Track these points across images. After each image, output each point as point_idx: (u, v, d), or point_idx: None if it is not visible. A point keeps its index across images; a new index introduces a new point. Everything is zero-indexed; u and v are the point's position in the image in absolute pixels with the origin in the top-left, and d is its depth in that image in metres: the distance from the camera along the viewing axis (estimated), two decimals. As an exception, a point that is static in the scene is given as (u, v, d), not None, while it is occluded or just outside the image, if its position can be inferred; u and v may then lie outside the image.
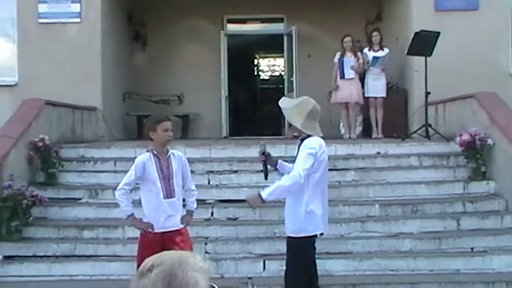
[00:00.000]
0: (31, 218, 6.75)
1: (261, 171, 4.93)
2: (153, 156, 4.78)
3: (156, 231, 4.73)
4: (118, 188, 4.82)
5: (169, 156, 4.83)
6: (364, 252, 6.50)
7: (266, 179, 4.80)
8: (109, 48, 10.58)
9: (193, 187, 5.10)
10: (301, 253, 4.64)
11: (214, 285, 1.51)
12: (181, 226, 4.87)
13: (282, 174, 4.73)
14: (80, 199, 7.43)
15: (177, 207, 4.84)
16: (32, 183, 7.37)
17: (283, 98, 4.88)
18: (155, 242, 4.65)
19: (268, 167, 4.83)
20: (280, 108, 4.80)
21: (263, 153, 4.76)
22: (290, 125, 4.74)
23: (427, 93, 8.94)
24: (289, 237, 4.68)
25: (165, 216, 4.75)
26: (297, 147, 4.77)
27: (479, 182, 7.45)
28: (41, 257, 6.47)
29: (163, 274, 1.43)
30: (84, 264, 6.36)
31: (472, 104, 8.31)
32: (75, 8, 10.18)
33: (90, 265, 6.35)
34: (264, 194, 4.45)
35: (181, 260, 1.47)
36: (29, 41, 10.21)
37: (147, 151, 4.86)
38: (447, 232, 6.77)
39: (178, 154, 4.94)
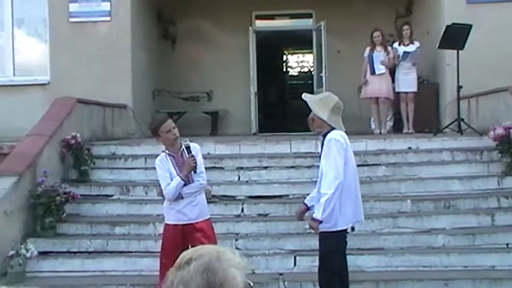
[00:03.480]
0: (64, 215, 6.85)
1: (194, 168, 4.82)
2: (168, 156, 4.84)
3: (176, 223, 4.79)
4: (164, 193, 4.79)
5: (183, 151, 4.87)
6: (396, 248, 6.43)
7: (195, 172, 4.81)
8: (139, 46, 10.67)
9: (202, 180, 4.90)
10: (333, 247, 4.65)
11: (250, 283, 1.50)
12: (205, 218, 4.89)
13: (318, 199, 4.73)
14: (111, 196, 7.51)
15: (197, 200, 4.86)
16: (64, 180, 7.47)
17: (304, 93, 4.89)
18: (177, 234, 4.73)
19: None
20: (304, 102, 4.80)
21: (187, 147, 4.78)
22: (313, 119, 4.74)
23: (459, 87, 8.80)
24: (321, 232, 4.67)
25: (185, 210, 4.79)
26: (320, 144, 4.80)
27: (514, 176, 7.31)
28: (75, 252, 6.56)
29: (202, 268, 1.43)
30: (117, 260, 6.42)
31: (506, 98, 8.15)
32: (105, 6, 10.28)
33: (123, 261, 6.41)
34: (318, 214, 4.49)
35: (220, 254, 1.47)
36: (61, 40, 10.35)
37: (163, 151, 4.92)
38: (481, 228, 6.65)
39: (191, 145, 4.92)
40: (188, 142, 4.88)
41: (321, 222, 4.50)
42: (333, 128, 4.63)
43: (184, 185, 4.78)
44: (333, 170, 4.48)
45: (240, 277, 1.46)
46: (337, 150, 4.51)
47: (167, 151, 4.87)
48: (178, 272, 1.45)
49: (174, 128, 4.83)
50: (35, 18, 10.78)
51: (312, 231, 4.82)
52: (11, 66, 10.67)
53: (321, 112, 4.64)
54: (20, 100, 10.18)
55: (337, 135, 4.59)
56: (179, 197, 4.79)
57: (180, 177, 4.75)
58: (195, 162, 4.79)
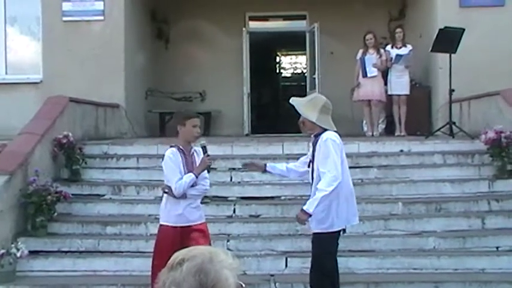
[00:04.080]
0: (55, 214, 6.82)
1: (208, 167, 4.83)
2: (179, 152, 4.74)
3: (175, 225, 4.73)
4: (174, 188, 4.65)
5: (193, 153, 4.82)
6: (387, 251, 6.45)
7: (208, 172, 4.83)
8: (132, 45, 10.65)
9: (206, 184, 4.86)
10: (327, 248, 4.65)
11: (242, 284, 1.51)
12: (203, 221, 4.87)
13: (279, 174, 4.98)
14: (103, 195, 7.49)
15: (197, 203, 4.84)
16: (56, 179, 7.45)
17: (292, 98, 4.88)
18: (175, 236, 4.66)
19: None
20: (292, 106, 4.79)
21: (204, 147, 4.78)
22: (303, 122, 4.73)
23: (451, 91, 8.84)
24: (315, 233, 4.68)
25: (186, 212, 4.74)
26: (311, 144, 4.77)
27: (505, 180, 7.34)
28: (66, 252, 6.54)
29: (195, 269, 1.43)
30: (108, 260, 6.40)
31: (498, 101, 8.19)
32: (99, 5, 10.26)
33: (114, 261, 6.38)
34: (310, 208, 4.47)
35: (212, 256, 1.47)
36: (54, 38, 10.32)
37: (171, 146, 4.82)
38: (472, 231, 6.68)
39: (200, 150, 4.90)
40: (205, 142, 4.83)
41: (310, 215, 4.48)
42: (326, 129, 4.63)
43: (191, 186, 4.72)
44: (333, 170, 4.46)
45: (232, 278, 1.47)
46: (334, 151, 4.52)
47: (180, 147, 4.76)
48: (170, 273, 1.45)
49: (200, 127, 4.80)
50: (28, 16, 10.75)
51: (301, 228, 4.81)
52: (3, 64, 10.63)
53: (310, 114, 4.62)
54: (12, 99, 10.14)
55: (333, 136, 4.60)
56: (183, 196, 4.71)
57: (194, 174, 4.67)
58: (211, 162, 4.77)
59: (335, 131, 4.69)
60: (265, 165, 4.98)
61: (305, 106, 4.69)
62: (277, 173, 5.01)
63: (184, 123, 4.72)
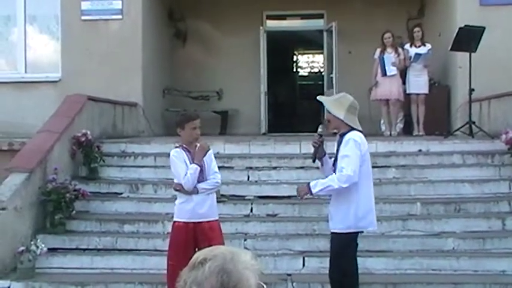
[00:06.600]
0: (74, 212, 6.87)
1: (311, 153, 4.87)
2: (184, 150, 4.85)
3: (188, 221, 4.78)
4: (184, 183, 4.74)
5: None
6: (405, 251, 6.41)
7: (314, 161, 4.87)
8: (150, 44, 10.68)
9: (217, 177, 4.92)
10: (345, 249, 4.64)
11: (263, 284, 1.50)
12: (215, 218, 4.91)
13: (324, 167, 4.83)
14: (121, 193, 7.52)
15: (210, 199, 4.89)
16: (74, 177, 7.49)
17: (319, 96, 4.98)
18: (188, 233, 4.73)
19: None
20: (319, 103, 4.85)
21: (320, 135, 4.77)
22: (329, 120, 4.74)
23: (471, 90, 8.74)
24: (333, 233, 4.66)
25: (198, 207, 4.79)
26: (336, 143, 4.77)
27: (525, 181, 7.25)
28: (84, 249, 6.58)
29: (217, 269, 1.43)
30: (125, 258, 6.43)
31: (518, 101, 8.09)
32: (117, 4, 10.31)
33: (131, 259, 6.42)
34: (314, 189, 4.56)
35: (234, 256, 1.47)
36: (72, 37, 10.38)
37: (176, 147, 4.94)
38: (492, 232, 6.61)
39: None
40: (322, 131, 4.82)
41: (310, 194, 4.60)
42: (352, 129, 4.63)
43: (201, 181, 4.79)
44: (351, 169, 4.47)
45: (253, 279, 1.46)
46: (355, 152, 4.52)
47: (184, 145, 4.89)
48: (192, 272, 1.45)
49: (200, 128, 4.88)
50: (47, 15, 10.83)
51: (318, 228, 4.79)
52: (23, 63, 10.72)
53: (337, 112, 4.64)
54: (31, 97, 10.23)
55: (357, 136, 4.61)
56: (194, 191, 4.77)
57: (196, 164, 4.75)
58: (209, 146, 4.87)
59: (360, 131, 4.67)
60: (325, 153, 4.88)
61: (333, 104, 4.72)
62: (326, 167, 4.92)
63: (184, 126, 4.84)
